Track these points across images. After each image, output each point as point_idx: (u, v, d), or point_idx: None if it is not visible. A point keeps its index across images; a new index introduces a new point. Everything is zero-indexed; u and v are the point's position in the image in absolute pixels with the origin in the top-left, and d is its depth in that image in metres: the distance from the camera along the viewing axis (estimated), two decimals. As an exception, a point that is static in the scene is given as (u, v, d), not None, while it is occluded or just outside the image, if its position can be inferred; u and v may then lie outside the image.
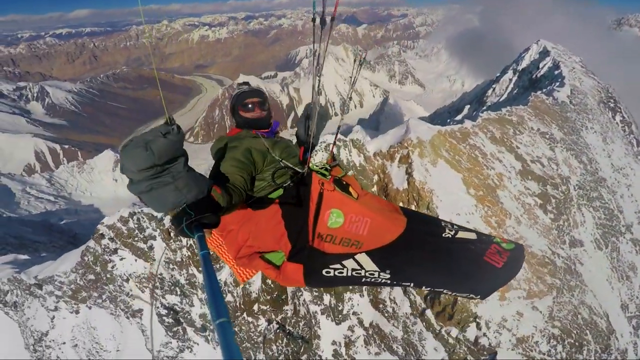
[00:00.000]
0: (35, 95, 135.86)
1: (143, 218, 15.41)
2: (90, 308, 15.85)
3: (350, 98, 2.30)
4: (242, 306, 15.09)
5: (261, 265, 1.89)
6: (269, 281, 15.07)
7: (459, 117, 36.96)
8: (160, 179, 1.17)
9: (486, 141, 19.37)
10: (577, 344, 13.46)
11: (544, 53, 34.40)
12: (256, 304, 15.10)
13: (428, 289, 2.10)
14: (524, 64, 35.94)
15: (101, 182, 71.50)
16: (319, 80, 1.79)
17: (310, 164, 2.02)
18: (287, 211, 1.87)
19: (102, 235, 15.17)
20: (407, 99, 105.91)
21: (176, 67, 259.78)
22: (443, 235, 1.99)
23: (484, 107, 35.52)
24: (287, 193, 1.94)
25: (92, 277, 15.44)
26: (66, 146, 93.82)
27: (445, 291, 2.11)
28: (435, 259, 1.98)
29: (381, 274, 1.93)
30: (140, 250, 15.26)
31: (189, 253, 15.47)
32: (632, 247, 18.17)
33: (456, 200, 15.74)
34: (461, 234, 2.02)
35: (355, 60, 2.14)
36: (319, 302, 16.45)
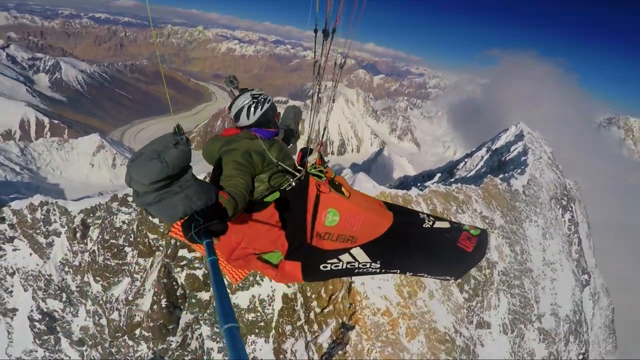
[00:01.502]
0: (47, 67, 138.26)
1: (54, 210, 15.02)
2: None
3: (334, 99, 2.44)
4: (124, 327, 14.20)
5: (259, 265, 1.97)
6: (156, 307, 14.36)
7: (428, 183, 37.99)
8: (169, 188, 1.17)
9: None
10: None
11: (519, 137, 36.04)
12: (139, 328, 14.22)
13: (411, 274, 2.35)
14: (499, 144, 37.63)
15: (77, 163, 70.13)
16: (319, 89, 2.01)
17: (308, 167, 2.17)
18: (285, 213, 1.94)
19: (3, 219, 14.62)
20: (401, 155, 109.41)
21: (195, 71, 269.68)
22: (423, 225, 2.27)
23: (452, 179, 36.74)
24: (284, 196, 1.99)
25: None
26: (56, 121, 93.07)
27: (425, 275, 2.38)
28: (418, 248, 2.24)
29: (372, 264, 2.17)
30: (38, 244, 14.67)
31: (90, 259, 14.88)
32: (537, 336, 18.24)
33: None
34: (438, 224, 2.30)
35: (337, 64, 2.24)
36: (217, 340, 15.59)
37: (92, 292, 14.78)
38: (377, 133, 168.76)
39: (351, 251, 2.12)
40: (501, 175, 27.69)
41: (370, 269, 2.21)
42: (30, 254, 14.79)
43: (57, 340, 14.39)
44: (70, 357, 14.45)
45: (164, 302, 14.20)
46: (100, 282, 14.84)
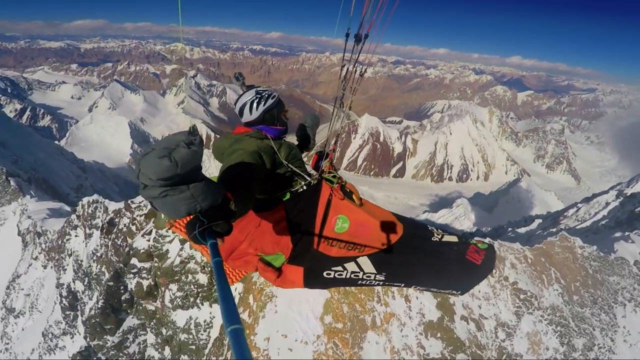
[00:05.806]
0: (218, 92, 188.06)
1: (100, 208, 20.10)
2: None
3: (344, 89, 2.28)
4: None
5: (260, 267, 2.02)
6: (95, 305, 16.59)
7: (523, 229, 28.49)
8: (176, 186, 1.17)
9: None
10: None
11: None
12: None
13: (417, 288, 2.41)
14: (637, 188, 24.63)
15: (215, 172, 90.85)
16: (344, 91, 2.13)
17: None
18: (293, 215, 1.99)
19: (75, 210, 20.97)
20: (548, 189, 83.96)
21: (320, 94, 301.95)
22: (432, 239, 2.34)
23: (554, 229, 26.43)
24: (294, 198, 2.02)
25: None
26: (218, 136, 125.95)
27: (431, 289, 2.49)
28: (426, 261, 2.30)
29: (377, 275, 2.23)
30: (86, 234, 20.10)
31: (104, 252, 18.97)
32: None
33: (297, 321, 12.34)
34: (446, 238, 2.39)
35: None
36: (160, 350, 16.62)
37: (104, 281, 18.79)
38: (516, 159, 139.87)
39: (358, 260, 2.13)
40: (618, 233, 17.63)
41: (374, 281, 2.22)
42: (83, 241, 20.44)
43: (75, 317, 19.04)
44: (80, 333, 18.61)
45: (100, 303, 16.77)
46: (110, 274, 18.72)
